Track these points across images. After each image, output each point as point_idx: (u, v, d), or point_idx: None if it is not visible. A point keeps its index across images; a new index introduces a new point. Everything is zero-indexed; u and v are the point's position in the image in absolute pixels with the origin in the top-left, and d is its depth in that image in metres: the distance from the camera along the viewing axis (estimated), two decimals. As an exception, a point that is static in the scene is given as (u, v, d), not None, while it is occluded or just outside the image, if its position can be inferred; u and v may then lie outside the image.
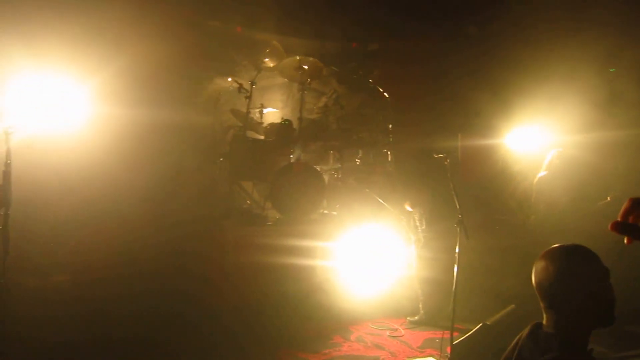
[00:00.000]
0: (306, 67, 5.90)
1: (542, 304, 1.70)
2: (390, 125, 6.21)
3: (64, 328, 3.87)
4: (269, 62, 6.07)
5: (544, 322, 1.70)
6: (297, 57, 5.95)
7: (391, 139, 6.21)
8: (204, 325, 4.39)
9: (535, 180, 5.62)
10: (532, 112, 6.26)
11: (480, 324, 3.91)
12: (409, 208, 5.18)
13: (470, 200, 5.74)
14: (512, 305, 4.28)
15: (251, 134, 6.02)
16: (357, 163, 6.17)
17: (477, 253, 4.90)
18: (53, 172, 4.49)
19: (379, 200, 5.53)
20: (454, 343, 3.84)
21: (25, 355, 3.46)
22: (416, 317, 4.98)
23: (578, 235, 4.87)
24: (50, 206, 4.53)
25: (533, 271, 1.72)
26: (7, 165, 3.13)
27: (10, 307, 3.10)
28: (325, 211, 5.88)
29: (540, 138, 6.26)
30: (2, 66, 3.88)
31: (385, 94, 6.20)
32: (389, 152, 6.20)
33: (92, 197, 4.73)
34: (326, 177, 5.88)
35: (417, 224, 5.07)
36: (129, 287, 4.40)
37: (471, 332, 3.93)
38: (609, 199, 5.21)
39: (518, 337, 1.75)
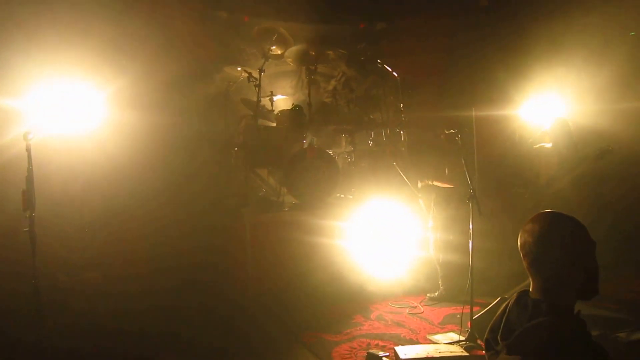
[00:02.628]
0: (313, 52, 5.92)
1: (525, 264, 1.72)
2: (402, 105, 6.20)
3: (95, 322, 4.04)
4: (276, 50, 6.10)
5: (530, 289, 1.71)
6: (304, 44, 5.97)
7: (403, 118, 6.20)
8: (226, 313, 4.52)
9: (536, 149, 5.57)
10: (547, 80, 6.17)
11: (499, 298, 3.96)
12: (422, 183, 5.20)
13: (486, 174, 5.74)
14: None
15: (263, 122, 6.08)
16: (370, 145, 6.19)
17: (493, 226, 4.93)
18: (75, 173, 4.65)
19: (400, 176, 5.51)
20: (474, 318, 3.92)
21: (61, 348, 3.62)
22: (436, 294, 5.03)
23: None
24: (75, 206, 4.70)
25: (519, 235, 1.74)
26: (29, 170, 3.24)
27: (43, 304, 3.24)
28: (341, 195, 5.94)
29: (555, 106, 6.16)
30: (23, 72, 3.99)
31: (395, 73, 6.16)
32: (401, 132, 6.20)
33: (113, 195, 4.90)
34: (339, 161, 5.92)
35: (434, 203, 5.09)
36: (154, 279, 4.57)
37: (490, 306, 3.98)
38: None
39: (505, 304, 1.75)
